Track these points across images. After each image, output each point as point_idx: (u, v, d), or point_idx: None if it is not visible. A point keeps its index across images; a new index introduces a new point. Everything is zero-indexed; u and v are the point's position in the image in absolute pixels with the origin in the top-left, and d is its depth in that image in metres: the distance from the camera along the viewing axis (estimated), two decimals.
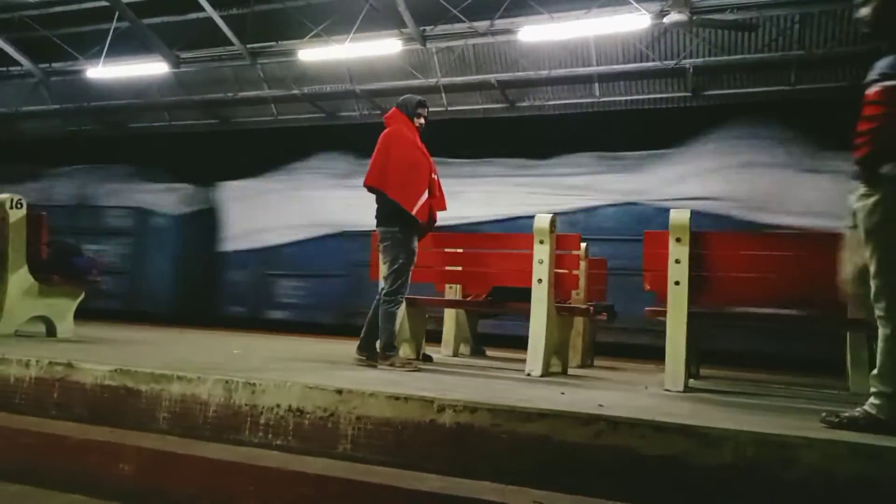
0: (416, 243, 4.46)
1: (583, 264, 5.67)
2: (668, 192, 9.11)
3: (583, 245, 5.55)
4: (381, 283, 4.60)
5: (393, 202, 4.37)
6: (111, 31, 10.61)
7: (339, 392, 2.88)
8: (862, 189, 2.65)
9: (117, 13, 10.24)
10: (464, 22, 8.95)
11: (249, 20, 10.07)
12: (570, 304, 5.63)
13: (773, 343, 8.35)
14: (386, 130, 4.52)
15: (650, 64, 9.77)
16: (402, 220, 4.36)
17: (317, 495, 2.48)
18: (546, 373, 4.50)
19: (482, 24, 8.97)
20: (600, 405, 2.82)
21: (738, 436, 2.25)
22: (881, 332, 2.61)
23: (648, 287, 4.43)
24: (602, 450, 2.43)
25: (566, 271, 4.85)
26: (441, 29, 9.24)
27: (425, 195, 4.41)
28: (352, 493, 2.44)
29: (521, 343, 4.64)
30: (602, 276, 6.54)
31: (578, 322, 5.91)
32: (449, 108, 11.17)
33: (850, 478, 2.10)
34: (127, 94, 12.92)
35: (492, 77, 10.66)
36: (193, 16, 10.14)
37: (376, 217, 4.51)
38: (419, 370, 4.22)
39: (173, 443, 2.89)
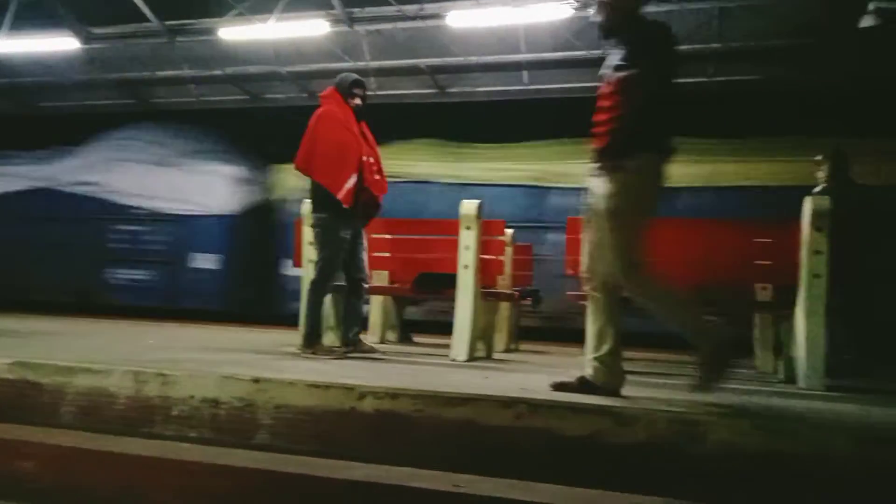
0: (346, 230, 4.33)
1: (508, 250, 5.73)
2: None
3: (508, 231, 5.61)
4: None
5: (319, 186, 4.25)
6: (14, 1, 9.93)
7: (257, 381, 2.80)
8: (600, 174, 2.78)
9: None
10: (392, 5, 8.83)
11: None
12: (495, 289, 5.70)
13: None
14: (317, 111, 4.38)
15: (578, 53, 9.92)
16: (330, 206, 4.23)
17: (238, 487, 2.40)
18: (471, 358, 4.52)
19: (411, 8, 8.88)
20: (522, 388, 2.86)
21: (650, 414, 2.32)
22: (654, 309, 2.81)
23: (571, 272, 4.52)
24: (523, 432, 2.46)
25: (492, 257, 4.90)
26: (369, 11, 9.08)
27: (353, 178, 4.25)
28: (272, 483, 2.39)
29: (449, 329, 4.65)
30: (528, 261, 6.63)
31: (504, 307, 5.98)
32: (379, 93, 11.04)
33: (754, 452, 2.20)
34: (36, 71, 12.14)
35: (422, 62, 10.59)
36: None
37: (310, 203, 4.41)
38: (344, 358, 4.16)
39: (80, 438, 2.74)
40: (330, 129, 4.29)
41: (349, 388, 2.71)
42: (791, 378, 3.93)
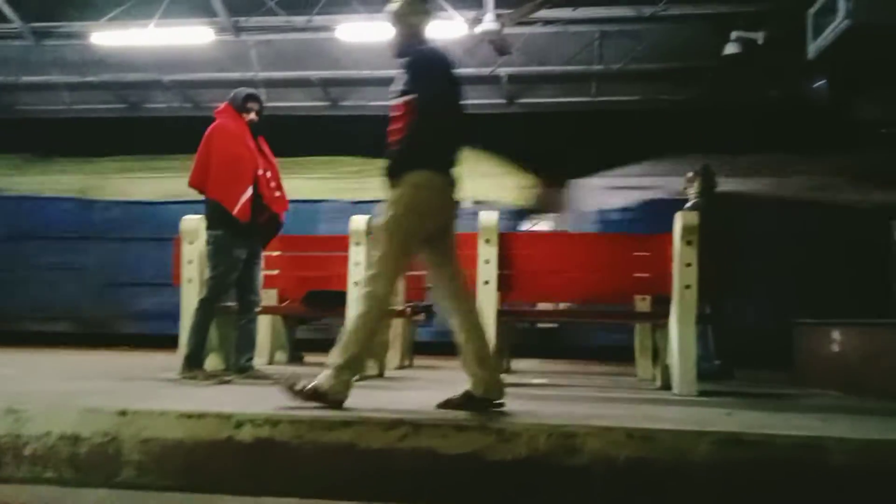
0: (241, 249, 4.16)
1: None
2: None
3: None
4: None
5: (214, 202, 4.08)
6: None
7: (123, 413, 2.60)
8: (387, 187, 2.95)
9: None
10: (280, 15, 8.62)
11: None
12: None
13: (578, 334, 9.04)
14: (211, 125, 4.23)
15: (468, 70, 10.10)
16: (226, 223, 4.06)
17: None
18: (362, 377, 4.44)
19: (300, 19, 8.71)
20: (407, 408, 2.82)
21: (530, 429, 2.35)
22: (355, 309, 2.92)
23: None
24: (406, 453, 2.42)
25: None
26: (256, 21, 8.81)
27: (248, 192, 4.10)
28: None
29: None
30: (420, 276, 6.61)
31: (397, 323, 5.93)
32: (269, 105, 10.73)
33: (627, 460, 2.27)
34: None
35: (313, 74, 10.41)
36: None
37: (205, 219, 4.22)
38: (226, 383, 3.96)
39: None
40: (223, 144, 4.14)
41: (225, 417, 2.57)
42: (667, 385, 4.13)
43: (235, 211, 4.05)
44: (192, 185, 4.19)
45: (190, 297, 4.61)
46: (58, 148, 10.67)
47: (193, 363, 4.07)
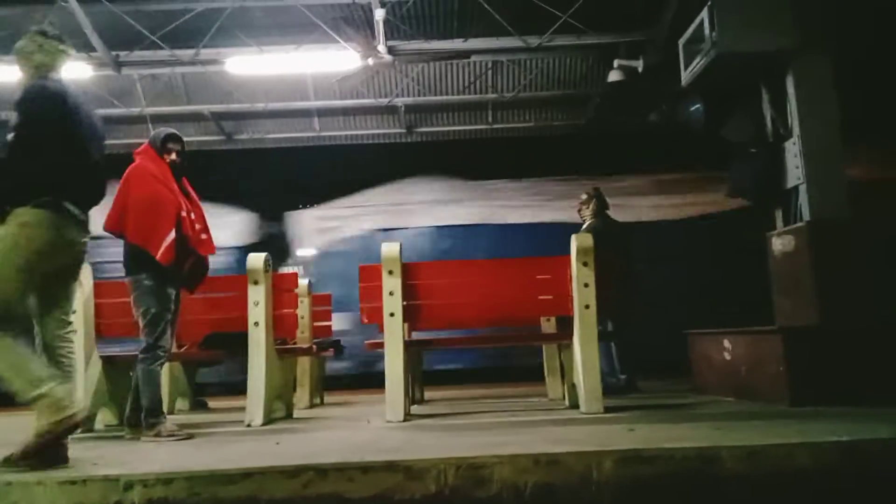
0: (170, 289, 3.89)
1: (305, 301, 5.56)
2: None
3: (304, 281, 5.45)
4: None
5: (134, 246, 3.81)
6: None
7: None
8: None
9: None
10: (165, 49, 8.30)
11: None
12: (293, 343, 5.48)
13: (489, 358, 9.13)
14: (129, 167, 3.97)
15: (365, 101, 10.12)
16: (148, 265, 3.79)
17: None
18: (268, 420, 4.27)
19: (186, 53, 8.42)
20: (310, 453, 2.72)
21: (439, 464, 2.32)
22: None
23: (366, 320, 4.48)
24: (311, 501, 2.32)
25: (287, 311, 4.70)
26: (139, 55, 8.42)
27: (171, 235, 3.84)
28: None
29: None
30: (327, 311, 6.48)
31: (304, 361, 5.77)
32: None
33: (535, 486, 2.28)
34: None
35: (205, 108, 10.10)
36: None
37: (124, 265, 3.90)
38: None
39: None
40: (141, 185, 3.88)
41: (112, 480, 2.38)
42: (575, 403, 4.21)
43: (159, 255, 3.77)
44: (107, 228, 3.88)
45: (76, 347, 4.29)
46: None
47: (153, 419, 3.71)
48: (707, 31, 5.29)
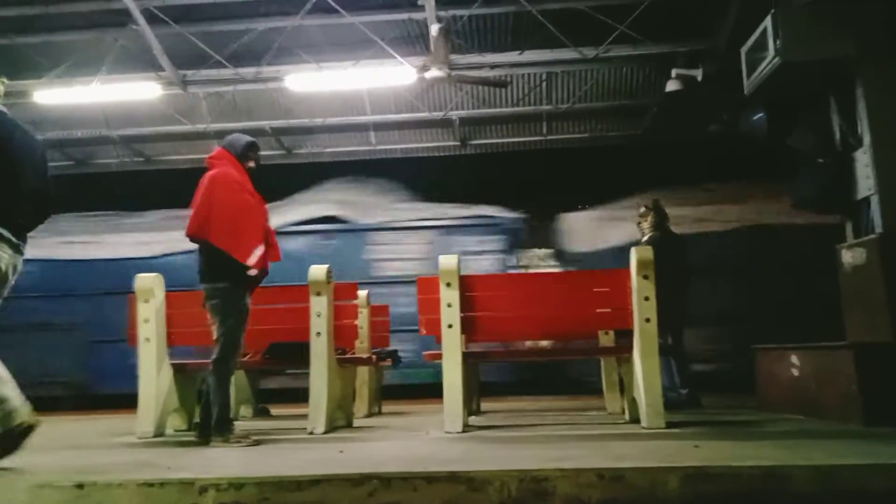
0: (248, 299, 3.98)
1: (364, 311, 5.66)
2: None
3: (362, 292, 5.55)
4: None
5: (220, 252, 3.82)
6: None
7: (80, 486, 2.49)
8: None
9: None
10: (228, 68, 8.63)
11: None
12: (352, 353, 5.58)
13: (545, 370, 9.06)
14: (210, 172, 4.00)
15: (420, 115, 10.25)
16: (230, 273, 3.84)
17: None
18: (330, 429, 4.36)
19: (249, 71, 8.74)
20: (376, 462, 2.77)
21: (501, 476, 2.33)
22: None
23: (424, 331, 4.54)
24: None
25: (346, 321, 4.80)
26: (204, 74, 8.79)
27: (262, 246, 3.95)
28: None
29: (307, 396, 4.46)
30: (385, 322, 6.58)
31: (363, 371, 5.87)
32: None
33: (599, 500, 2.27)
34: None
35: (265, 124, 10.42)
36: None
37: (199, 272, 3.93)
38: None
39: None
40: (229, 192, 3.91)
41: (187, 483, 2.48)
42: (636, 418, 4.15)
43: (253, 262, 3.85)
44: (190, 233, 3.92)
45: (148, 356, 4.49)
46: None
47: (223, 427, 3.81)
48: (770, 40, 5.18)
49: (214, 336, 3.92)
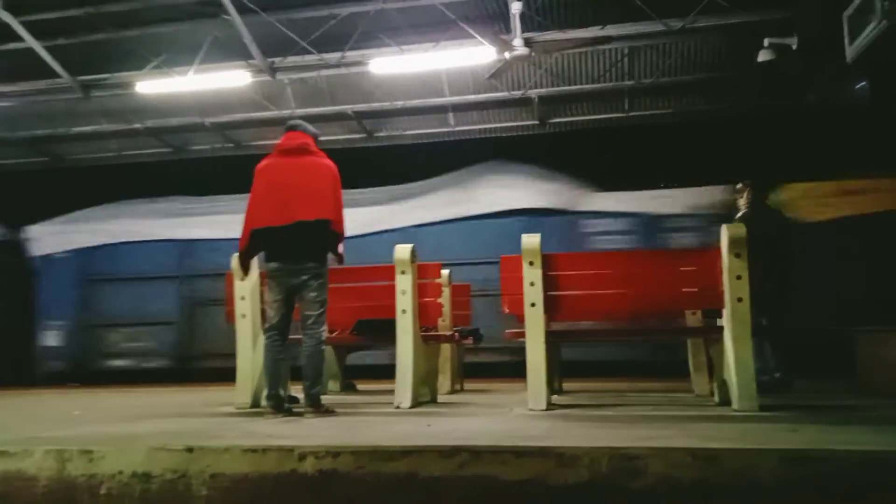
0: None
1: (446, 290, 5.75)
2: None
3: (445, 272, 5.63)
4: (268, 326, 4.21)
5: (336, 238, 4.19)
6: None
7: (190, 450, 2.68)
8: None
9: None
10: (313, 53, 8.86)
11: (78, 51, 9.32)
12: (435, 331, 5.68)
13: (628, 351, 8.90)
14: (329, 162, 4.27)
15: (499, 94, 10.19)
16: (327, 257, 4.21)
17: None
18: (415, 403, 4.48)
19: (333, 56, 8.93)
20: (465, 435, 2.83)
21: (591, 452, 2.34)
22: None
23: (507, 310, 4.57)
24: (466, 481, 2.43)
25: (430, 299, 4.89)
26: (291, 61, 9.07)
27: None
28: None
29: (392, 372, 4.60)
30: (466, 301, 6.65)
31: (446, 348, 5.97)
32: None
33: (691, 481, 2.24)
34: None
35: (348, 108, 10.64)
36: (12, 46, 9.23)
37: (305, 253, 4.09)
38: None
39: None
40: (339, 183, 4.27)
41: (288, 450, 2.62)
42: (726, 401, 4.05)
43: (342, 249, 4.25)
44: (321, 217, 4.09)
45: (245, 332, 4.73)
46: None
47: (318, 400, 4.06)
48: (878, 2, 4.84)
49: (313, 313, 4.11)
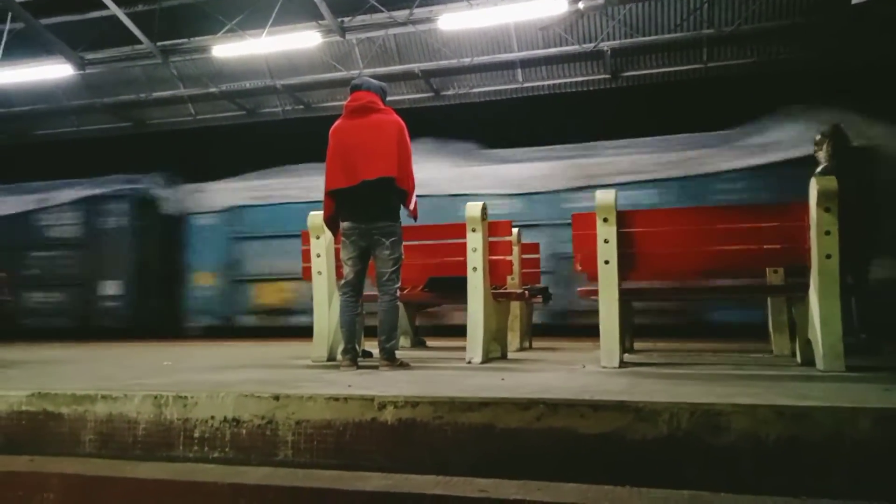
0: None
1: (516, 249, 5.73)
2: None
3: (515, 230, 5.60)
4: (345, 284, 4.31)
5: (405, 195, 4.25)
6: (5, 32, 9.96)
7: (276, 398, 2.80)
8: None
9: (10, 14, 9.60)
10: (382, 12, 8.83)
11: (157, 17, 9.61)
12: (505, 289, 5.69)
13: (701, 311, 8.68)
14: (395, 118, 4.27)
15: (569, 48, 9.92)
16: (398, 214, 4.28)
17: None
18: (486, 359, 4.52)
19: (401, 14, 8.89)
20: (541, 388, 2.84)
21: (671, 408, 2.31)
22: None
23: (580, 268, 4.51)
24: (543, 433, 2.45)
25: (500, 258, 4.89)
26: (360, 20, 9.09)
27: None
28: (294, 499, 2.38)
29: (461, 331, 4.65)
30: (535, 260, 6.62)
31: (515, 306, 5.97)
32: None
33: (777, 439, 2.19)
34: (29, 100, 12.18)
35: (415, 66, 10.60)
36: (96, 14, 9.60)
37: (376, 211, 4.18)
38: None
39: (101, 466, 2.74)
40: (407, 139, 4.30)
41: (368, 399, 2.70)
42: (809, 361, 3.91)
43: (412, 206, 4.30)
44: (389, 174, 4.13)
45: (321, 288, 4.87)
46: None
47: (394, 354, 4.18)
48: None
49: (388, 269, 4.21)
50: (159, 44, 10.04)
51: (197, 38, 9.77)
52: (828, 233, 3.69)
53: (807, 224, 3.87)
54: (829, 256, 3.70)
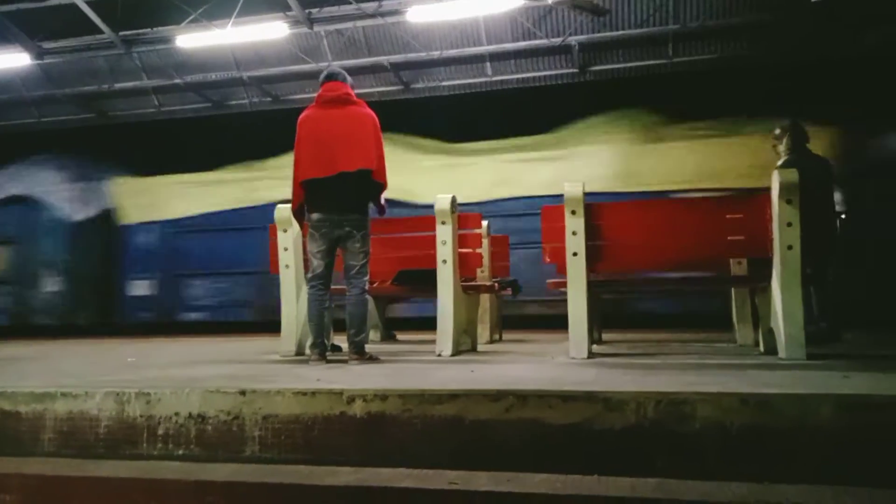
0: None
1: (485, 241, 5.73)
2: None
3: (484, 223, 5.60)
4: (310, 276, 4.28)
5: (380, 188, 4.22)
6: None
7: (243, 393, 2.76)
8: None
9: None
10: (351, 3, 8.74)
11: (119, 5, 9.37)
12: (475, 281, 5.70)
13: (668, 303, 8.82)
14: (369, 111, 4.26)
15: (538, 42, 9.95)
16: (369, 208, 4.24)
17: (224, 502, 2.37)
18: (456, 352, 4.53)
19: (370, 6, 8.81)
20: (510, 380, 2.85)
21: (638, 397, 2.33)
22: None
23: (548, 260, 4.54)
24: (513, 424, 2.46)
25: (470, 250, 4.90)
26: (328, 11, 8.98)
27: None
28: (262, 495, 2.35)
29: (431, 324, 4.65)
30: (505, 252, 6.64)
31: (485, 299, 5.99)
32: None
33: (741, 426, 2.23)
34: None
35: (384, 59, 10.52)
36: (55, 2, 9.32)
37: (349, 204, 4.13)
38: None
39: (62, 465, 2.67)
40: (381, 133, 4.26)
41: (336, 393, 2.68)
42: (772, 350, 3.99)
43: (384, 202, 4.28)
44: (367, 167, 4.11)
45: (288, 282, 4.81)
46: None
47: (362, 348, 4.15)
48: None
49: (357, 263, 4.18)
50: (121, 33, 9.79)
51: (160, 28, 9.56)
52: (789, 224, 3.77)
53: (769, 216, 3.95)
54: (790, 247, 3.78)
